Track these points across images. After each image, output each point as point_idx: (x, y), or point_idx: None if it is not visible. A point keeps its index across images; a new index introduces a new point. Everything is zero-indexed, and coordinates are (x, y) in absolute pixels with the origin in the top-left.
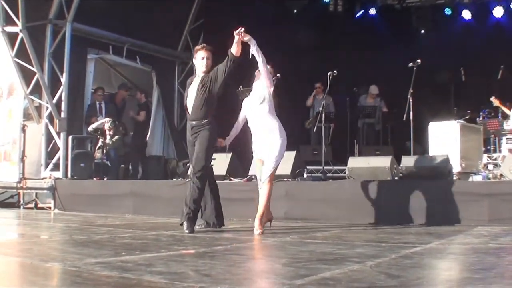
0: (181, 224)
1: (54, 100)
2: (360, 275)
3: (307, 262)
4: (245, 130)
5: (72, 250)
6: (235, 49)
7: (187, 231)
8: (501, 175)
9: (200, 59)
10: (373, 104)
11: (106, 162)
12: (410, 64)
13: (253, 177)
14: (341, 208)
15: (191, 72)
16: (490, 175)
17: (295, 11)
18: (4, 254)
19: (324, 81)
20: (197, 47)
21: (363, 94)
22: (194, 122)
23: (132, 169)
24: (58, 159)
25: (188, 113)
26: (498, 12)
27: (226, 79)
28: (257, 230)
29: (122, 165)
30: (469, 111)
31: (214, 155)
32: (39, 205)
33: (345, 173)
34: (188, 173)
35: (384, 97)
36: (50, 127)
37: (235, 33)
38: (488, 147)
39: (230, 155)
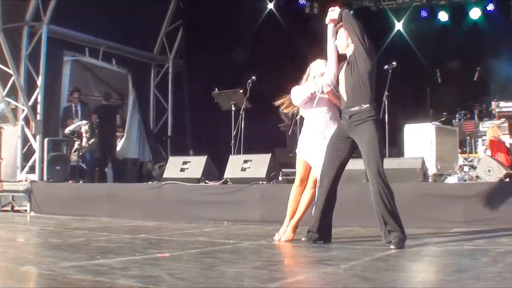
0: (390, 242)
1: (30, 102)
2: (334, 278)
3: (282, 265)
4: (219, 133)
5: (47, 254)
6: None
7: (397, 247)
8: (477, 176)
9: None
10: None
11: (82, 165)
12: (386, 67)
13: (227, 180)
14: None
15: (167, 75)
16: (466, 177)
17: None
18: None
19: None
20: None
21: None
22: (352, 109)
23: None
24: (34, 162)
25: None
26: (474, 13)
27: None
28: (287, 237)
29: (98, 168)
30: (444, 113)
31: (189, 158)
32: (15, 208)
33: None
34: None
35: None
36: (26, 130)
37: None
38: (464, 149)
39: (205, 158)
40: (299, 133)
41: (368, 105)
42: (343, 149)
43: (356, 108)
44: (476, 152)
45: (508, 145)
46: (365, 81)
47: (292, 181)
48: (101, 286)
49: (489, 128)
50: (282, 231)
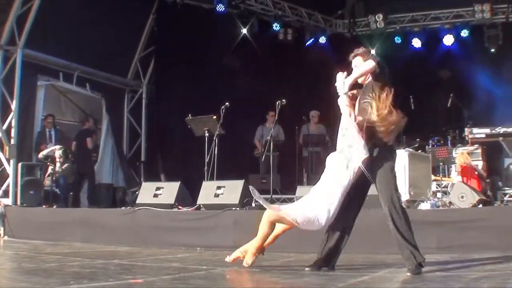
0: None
1: (4, 127)
2: None
3: None
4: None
5: (21, 278)
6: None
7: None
8: (450, 202)
9: None
10: (317, 132)
11: (56, 189)
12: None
13: (201, 206)
14: (290, 236)
15: (140, 100)
16: (439, 203)
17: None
18: None
19: (274, 110)
20: None
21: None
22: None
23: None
24: (8, 186)
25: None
26: (448, 40)
27: None
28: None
29: (71, 193)
30: (418, 140)
31: (163, 184)
32: None
33: (293, 201)
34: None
35: (334, 125)
36: (0, 154)
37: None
38: (438, 175)
39: (178, 184)
40: (272, 159)
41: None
42: None
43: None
44: (449, 177)
45: (481, 171)
46: None
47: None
48: None
49: (458, 155)
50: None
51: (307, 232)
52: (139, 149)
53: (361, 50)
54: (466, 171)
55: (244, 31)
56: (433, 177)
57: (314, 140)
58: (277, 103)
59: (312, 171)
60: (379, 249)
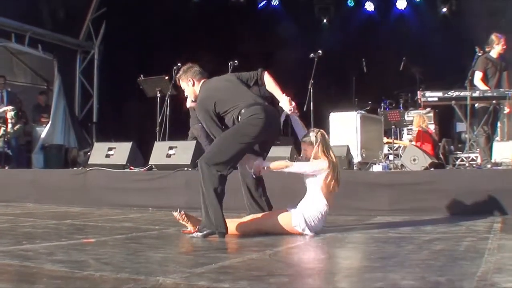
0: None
1: None
2: (259, 264)
3: (207, 251)
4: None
5: None
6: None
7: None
8: (402, 165)
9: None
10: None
11: (8, 151)
12: (312, 55)
13: (152, 166)
14: (241, 197)
15: (92, 61)
16: (391, 166)
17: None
18: None
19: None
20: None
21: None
22: None
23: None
24: None
25: None
26: (401, 4)
27: None
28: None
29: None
30: (370, 102)
31: (115, 144)
32: None
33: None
34: None
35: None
36: None
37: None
38: (390, 138)
39: (130, 144)
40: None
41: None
42: None
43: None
44: (401, 140)
45: (434, 136)
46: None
47: None
48: (28, 271)
49: (415, 117)
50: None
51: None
52: (91, 110)
53: (180, 73)
54: (420, 135)
55: None
56: (385, 140)
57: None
58: (229, 64)
59: None
60: (330, 211)
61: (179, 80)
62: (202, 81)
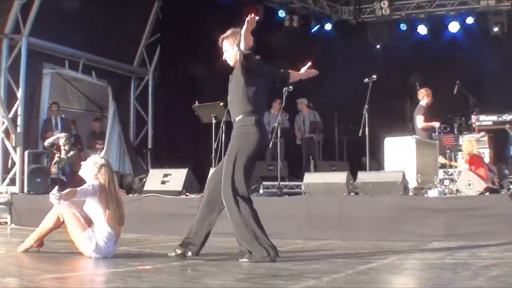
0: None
1: (10, 115)
2: None
3: (263, 277)
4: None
5: (29, 266)
6: (242, 44)
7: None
8: (457, 190)
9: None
10: (309, 117)
11: (62, 177)
12: (366, 80)
13: None
14: (297, 224)
15: (146, 87)
16: (446, 191)
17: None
18: None
19: (280, 97)
20: None
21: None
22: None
23: None
24: (14, 174)
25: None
26: (453, 27)
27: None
28: None
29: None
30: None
31: (170, 171)
32: None
33: (301, 188)
34: None
35: (339, 112)
36: (6, 142)
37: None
38: (446, 158)
39: (185, 170)
40: (279, 146)
41: (241, 116)
42: None
43: (235, 118)
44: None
45: (487, 159)
46: (241, 93)
47: (273, 194)
48: None
49: (465, 141)
50: None
51: (312, 220)
52: (146, 136)
53: (228, 32)
54: (474, 160)
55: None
56: (442, 160)
57: (321, 127)
58: (284, 90)
59: (319, 157)
60: (387, 236)
61: (222, 40)
62: None
